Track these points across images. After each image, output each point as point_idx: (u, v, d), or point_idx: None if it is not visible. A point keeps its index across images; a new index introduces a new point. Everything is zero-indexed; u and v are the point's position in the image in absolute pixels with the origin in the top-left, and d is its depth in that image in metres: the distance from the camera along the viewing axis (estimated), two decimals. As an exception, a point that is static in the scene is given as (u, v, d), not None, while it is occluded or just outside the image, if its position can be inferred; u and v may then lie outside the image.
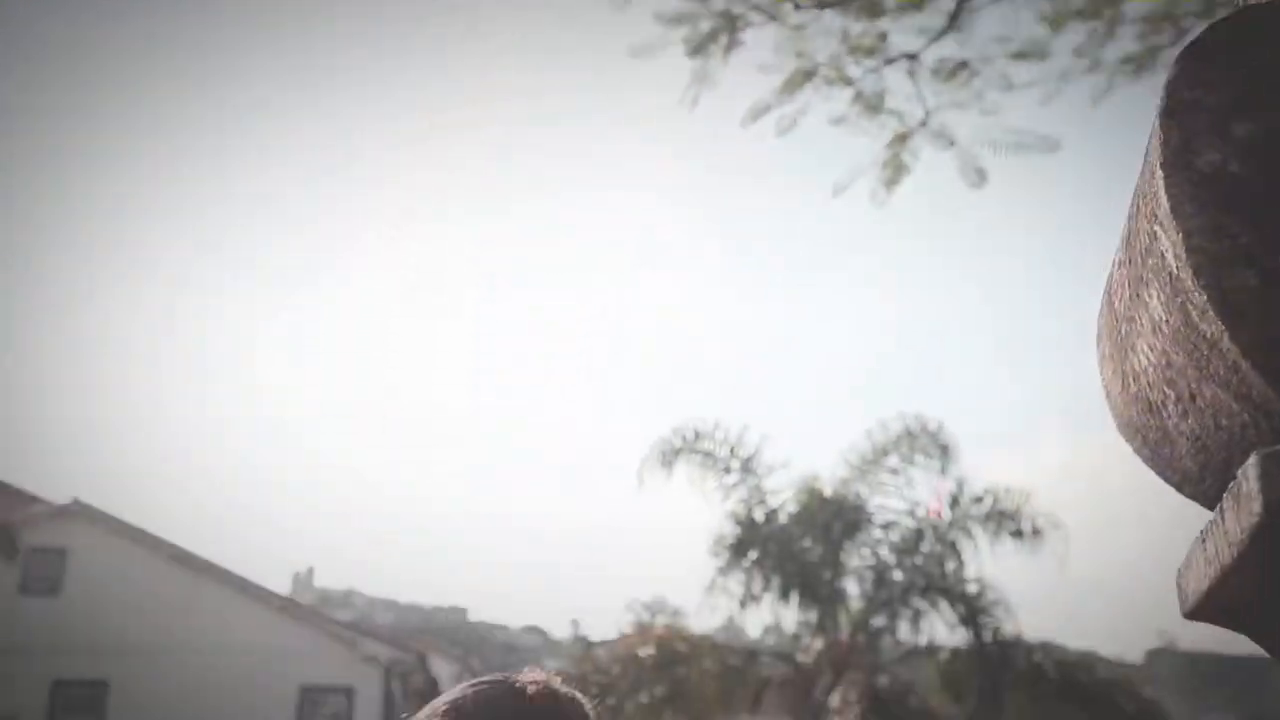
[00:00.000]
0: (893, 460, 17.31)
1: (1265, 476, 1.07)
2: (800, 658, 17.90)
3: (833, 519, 17.21)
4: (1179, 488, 1.45)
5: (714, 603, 17.43)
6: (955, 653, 17.12)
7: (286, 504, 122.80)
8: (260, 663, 23.38)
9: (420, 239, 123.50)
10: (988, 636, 16.67)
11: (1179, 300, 1.15)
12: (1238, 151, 1.12)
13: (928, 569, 17.03)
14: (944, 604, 16.87)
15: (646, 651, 17.55)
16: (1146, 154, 1.20)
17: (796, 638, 18.20)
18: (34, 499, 24.79)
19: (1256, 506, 1.08)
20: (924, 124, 6.90)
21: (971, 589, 16.90)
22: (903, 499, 17.48)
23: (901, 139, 6.87)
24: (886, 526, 17.49)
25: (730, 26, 6.46)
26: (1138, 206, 1.24)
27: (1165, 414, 1.36)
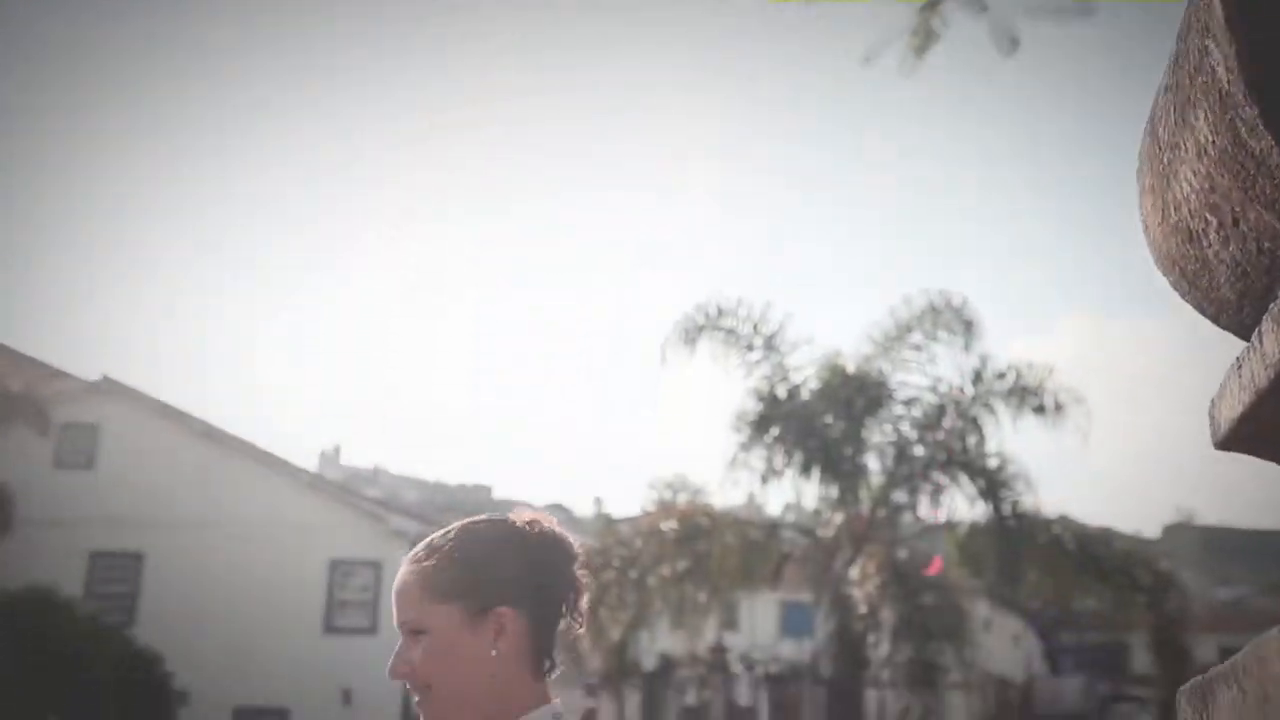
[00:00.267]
0: (916, 336, 17.31)
1: (1309, 294, 1.07)
2: (820, 532, 18.12)
3: (855, 395, 17.27)
4: (1215, 319, 1.46)
5: (735, 478, 17.62)
6: (974, 527, 17.30)
7: (313, 383, 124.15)
8: (290, 537, 23.86)
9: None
10: (1007, 510, 16.82)
11: (1228, 118, 1.15)
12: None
13: (949, 444, 17.12)
14: (964, 478, 17.01)
15: (669, 526, 17.79)
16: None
17: (817, 513, 18.39)
18: (64, 375, 25.12)
19: (1298, 324, 1.08)
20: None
21: (992, 463, 17.01)
22: (925, 375, 17.53)
23: (933, 4, 6.71)
24: (908, 402, 17.56)
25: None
26: (1188, 24, 1.22)
27: (1205, 242, 1.36)
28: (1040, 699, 44.46)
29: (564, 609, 1.55)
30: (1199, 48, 1.17)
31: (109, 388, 24.95)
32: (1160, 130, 1.38)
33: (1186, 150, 1.30)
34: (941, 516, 17.61)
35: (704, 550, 17.34)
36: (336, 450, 61.60)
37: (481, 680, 1.47)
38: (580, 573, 1.57)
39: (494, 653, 1.48)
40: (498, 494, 70.16)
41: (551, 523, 1.58)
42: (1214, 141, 1.20)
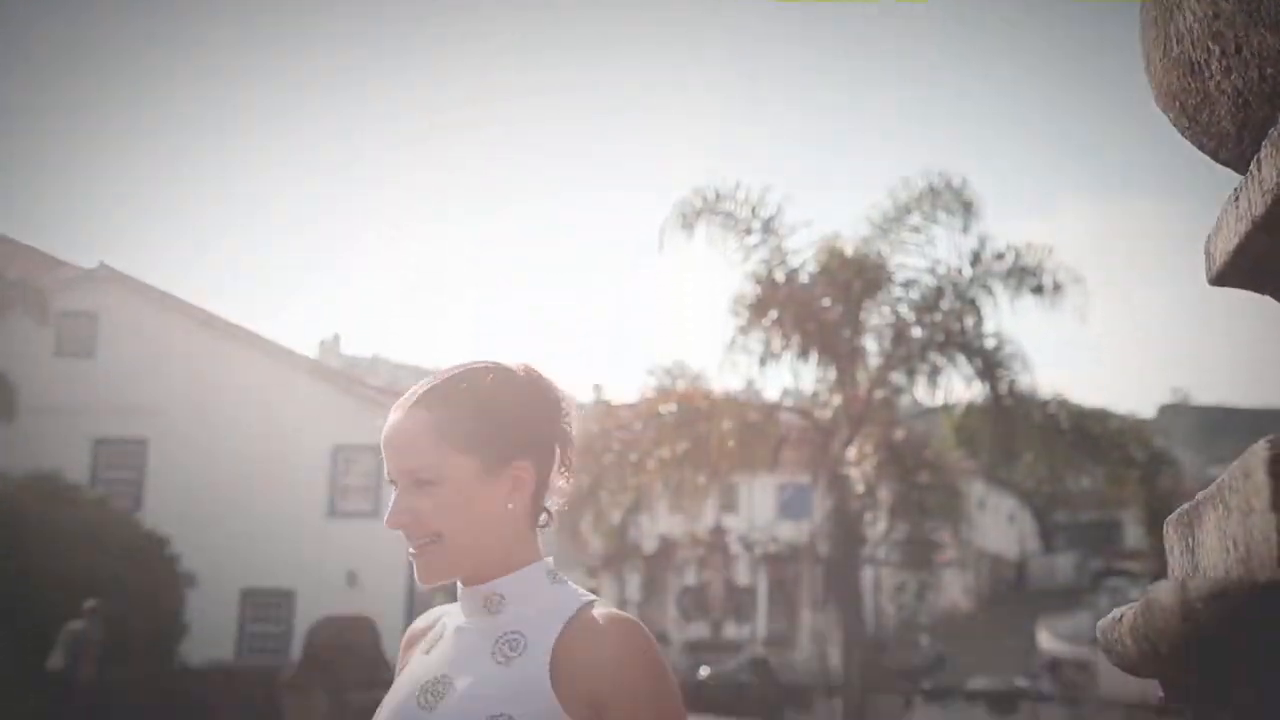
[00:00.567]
0: (915, 218, 17.21)
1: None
2: (818, 414, 18.23)
3: (853, 278, 17.24)
4: (1214, 154, 1.46)
5: (734, 361, 17.67)
6: (971, 407, 17.42)
7: (312, 272, 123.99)
8: (293, 424, 24.01)
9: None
10: (1004, 390, 16.92)
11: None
12: None
13: (946, 325, 17.15)
14: (961, 359, 17.08)
15: (668, 410, 17.90)
16: None
17: (815, 396, 18.48)
18: (62, 263, 25.05)
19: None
20: None
21: (989, 344, 17.07)
22: (924, 257, 17.48)
23: None
24: (907, 285, 17.55)
25: None
26: None
27: (1207, 73, 1.35)
28: (1034, 575, 45.38)
29: (560, 461, 1.56)
30: None
31: (107, 275, 24.90)
32: (1165, -40, 1.36)
33: (1190, -22, 1.28)
34: (938, 398, 17.72)
35: (703, 433, 17.47)
36: (336, 339, 61.48)
37: (494, 533, 1.48)
38: (571, 424, 1.58)
39: (510, 506, 1.49)
40: (498, 381, 70.42)
41: (545, 372, 1.58)
42: (1219, -35, 1.19)
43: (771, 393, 20.59)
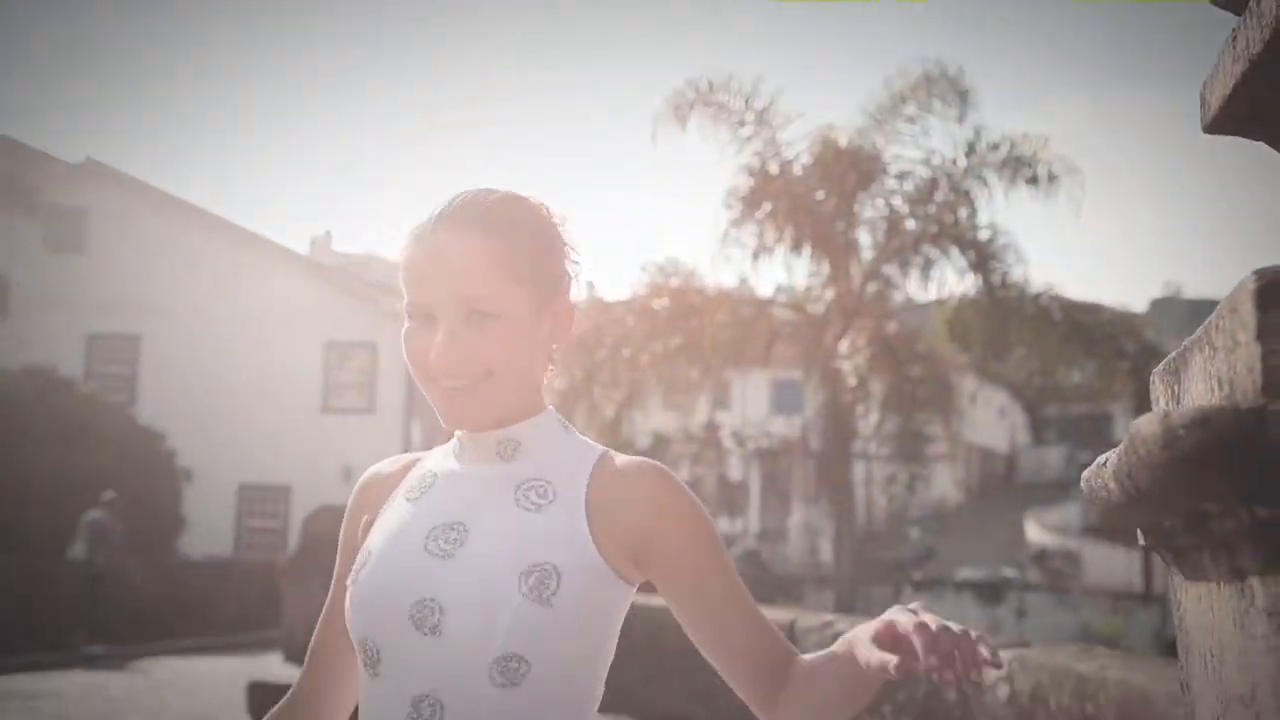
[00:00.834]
0: (910, 108, 16.99)
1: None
2: (811, 308, 18.21)
3: (847, 170, 17.08)
4: (1212, -3, 1.42)
5: (727, 255, 17.58)
6: (963, 301, 17.38)
7: (301, 168, 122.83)
8: (286, 320, 24.02)
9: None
10: (996, 282, 16.89)
11: None
12: None
13: (940, 217, 17.04)
14: (955, 251, 17.00)
15: (661, 305, 17.86)
16: None
17: (808, 290, 18.43)
18: (49, 158, 24.76)
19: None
20: None
21: (983, 236, 16.98)
22: (919, 148, 17.29)
23: None
24: (901, 176, 17.39)
25: None
26: None
27: (1207, -91, 1.31)
28: (1024, 468, 45.89)
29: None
30: None
31: (95, 170, 24.67)
32: None
33: None
34: (931, 291, 17.67)
35: (696, 328, 17.44)
36: (328, 235, 60.99)
37: (537, 372, 1.41)
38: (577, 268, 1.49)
39: (555, 345, 1.42)
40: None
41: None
42: None
43: (765, 288, 20.55)
